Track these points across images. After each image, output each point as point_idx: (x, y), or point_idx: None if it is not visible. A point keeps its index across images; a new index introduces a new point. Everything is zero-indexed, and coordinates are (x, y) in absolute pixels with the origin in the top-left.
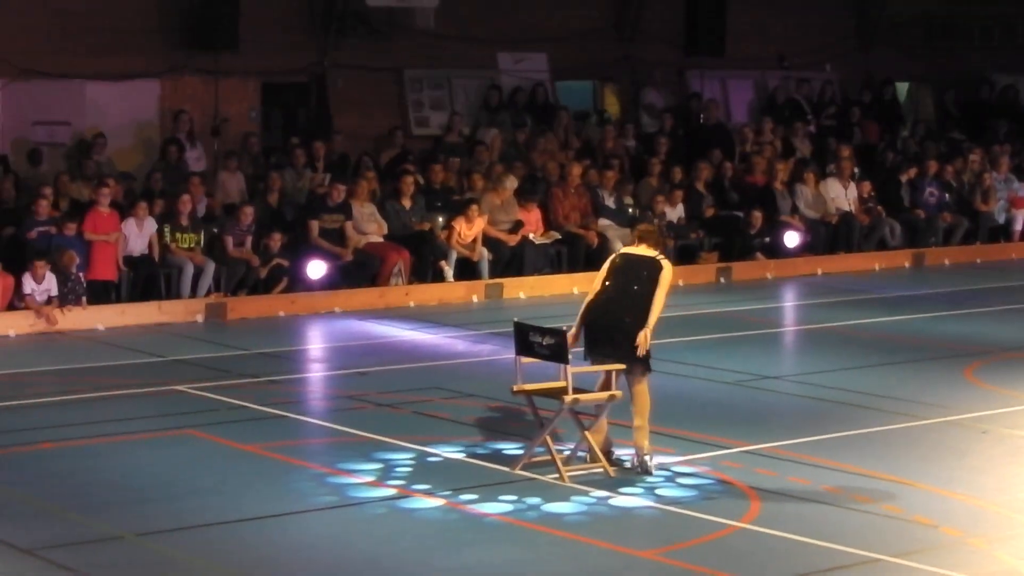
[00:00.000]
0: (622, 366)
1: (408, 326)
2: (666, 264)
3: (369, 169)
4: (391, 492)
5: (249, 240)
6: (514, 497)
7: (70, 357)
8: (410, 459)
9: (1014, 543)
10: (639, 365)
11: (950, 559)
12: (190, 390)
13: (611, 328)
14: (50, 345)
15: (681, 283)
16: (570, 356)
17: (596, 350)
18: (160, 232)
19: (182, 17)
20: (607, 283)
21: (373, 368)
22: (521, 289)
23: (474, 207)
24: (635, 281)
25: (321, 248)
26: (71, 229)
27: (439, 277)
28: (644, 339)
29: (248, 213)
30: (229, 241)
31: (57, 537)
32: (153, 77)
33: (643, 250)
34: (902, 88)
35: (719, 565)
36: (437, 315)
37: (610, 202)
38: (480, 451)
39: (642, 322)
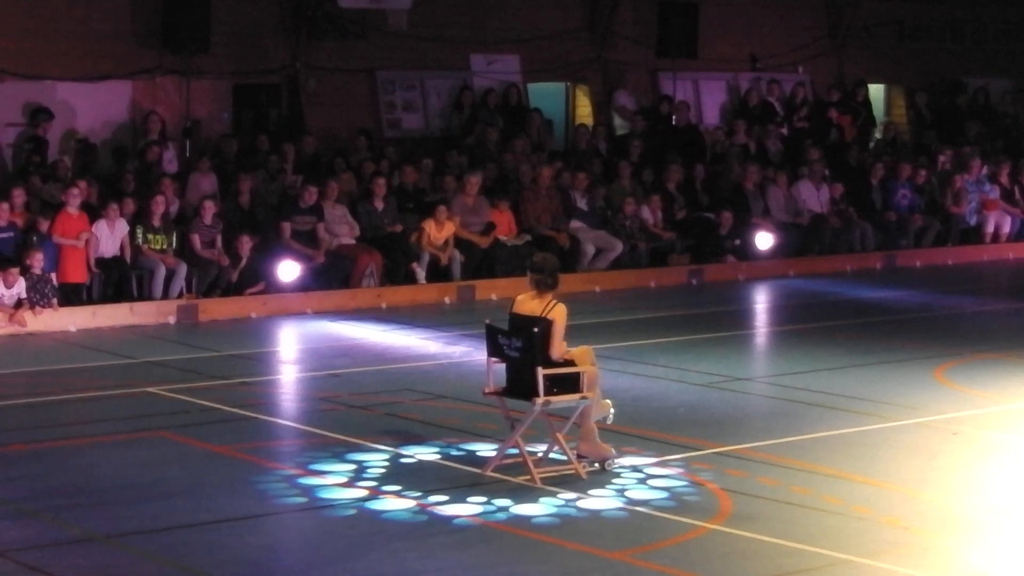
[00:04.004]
0: (595, 369)
1: (380, 328)
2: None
3: (344, 171)
4: (363, 494)
5: (219, 240)
6: (485, 499)
7: (41, 359)
8: (382, 460)
9: (984, 545)
10: None
11: (920, 560)
12: (162, 392)
13: None
14: (21, 347)
15: (653, 285)
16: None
17: None
18: (132, 233)
19: (154, 18)
20: None
21: (345, 369)
22: (493, 291)
23: (443, 208)
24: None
25: (293, 250)
26: (43, 227)
27: (411, 279)
28: None
29: (209, 208)
30: (196, 239)
31: (29, 539)
32: (125, 78)
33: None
34: (875, 90)
35: (690, 567)
36: (409, 317)
37: (582, 204)
38: (452, 453)
39: None
